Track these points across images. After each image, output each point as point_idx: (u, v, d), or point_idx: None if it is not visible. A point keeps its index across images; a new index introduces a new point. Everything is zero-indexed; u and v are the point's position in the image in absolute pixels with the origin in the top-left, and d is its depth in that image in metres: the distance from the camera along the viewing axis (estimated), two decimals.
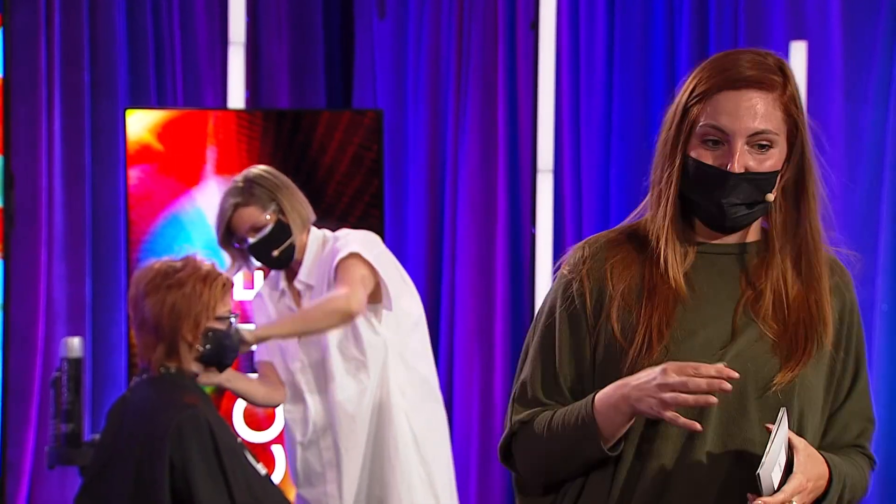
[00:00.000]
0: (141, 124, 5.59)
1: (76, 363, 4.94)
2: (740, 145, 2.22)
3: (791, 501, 2.14)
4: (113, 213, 6.27)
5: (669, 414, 2.12)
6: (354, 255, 4.28)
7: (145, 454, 3.66)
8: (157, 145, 5.58)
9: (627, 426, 2.21)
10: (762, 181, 2.24)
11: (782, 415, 2.16)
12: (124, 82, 6.31)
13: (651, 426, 2.23)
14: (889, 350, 5.75)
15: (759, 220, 2.32)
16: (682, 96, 2.27)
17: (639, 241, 2.31)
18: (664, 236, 2.27)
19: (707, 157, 2.24)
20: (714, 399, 2.12)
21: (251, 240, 4.34)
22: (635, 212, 2.36)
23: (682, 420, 2.12)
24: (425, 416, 4.46)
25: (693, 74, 2.29)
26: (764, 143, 2.24)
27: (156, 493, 3.62)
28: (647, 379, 2.15)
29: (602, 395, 2.22)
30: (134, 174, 5.57)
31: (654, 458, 2.23)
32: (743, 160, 2.23)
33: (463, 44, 6.36)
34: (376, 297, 4.37)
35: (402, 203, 6.47)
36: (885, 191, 5.77)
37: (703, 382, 2.10)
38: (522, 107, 6.29)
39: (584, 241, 2.37)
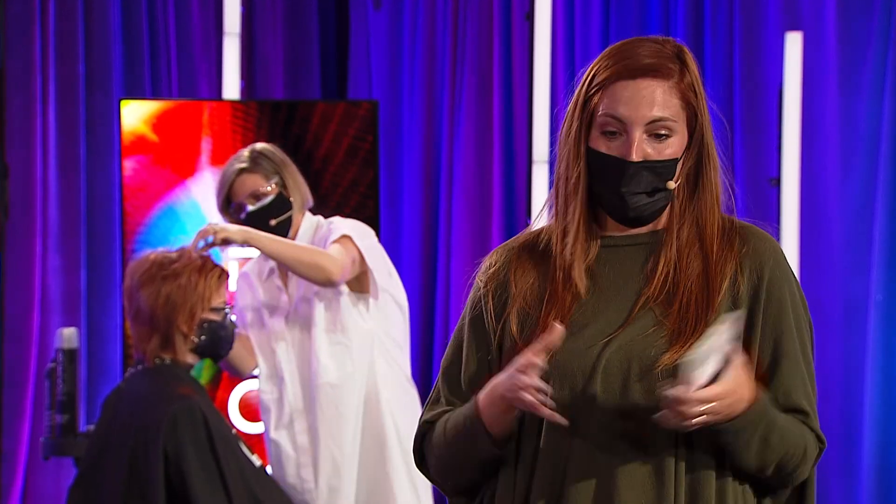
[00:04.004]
0: (135, 115, 5.58)
1: (71, 354, 4.94)
2: (638, 134, 2.23)
3: (701, 404, 2.10)
4: (108, 205, 6.26)
5: (543, 412, 2.16)
6: (346, 237, 4.28)
7: (140, 445, 3.66)
8: (152, 136, 5.57)
9: (512, 421, 2.23)
10: (661, 169, 2.24)
11: (735, 317, 2.14)
12: (119, 73, 6.30)
13: (535, 417, 2.25)
14: (884, 341, 5.75)
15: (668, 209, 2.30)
16: (581, 86, 2.28)
17: (547, 240, 2.31)
18: (574, 232, 2.27)
19: (606, 147, 2.25)
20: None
21: (250, 207, 4.32)
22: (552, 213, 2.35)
23: (547, 413, 2.15)
24: (406, 410, 4.45)
25: (593, 63, 2.28)
26: (661, 131, 2.24)
27: (150, 484, 3.62)
28: (508, 375, 2.18)
29: (482, 393, 2.24)
30: (129, 165, 5.56)
31: (546, 445, 2.24)
32: (641, 149, 2.23)
33: (458, 34, 6.36)
34: (363, 285, 4.35)
35: (397, 194, 6.47)
36: (880, 182, 5.77)
37: (545, 410, 2.15)
38: (518, 97, 6.28)
39: (500, 245, 2.39)
